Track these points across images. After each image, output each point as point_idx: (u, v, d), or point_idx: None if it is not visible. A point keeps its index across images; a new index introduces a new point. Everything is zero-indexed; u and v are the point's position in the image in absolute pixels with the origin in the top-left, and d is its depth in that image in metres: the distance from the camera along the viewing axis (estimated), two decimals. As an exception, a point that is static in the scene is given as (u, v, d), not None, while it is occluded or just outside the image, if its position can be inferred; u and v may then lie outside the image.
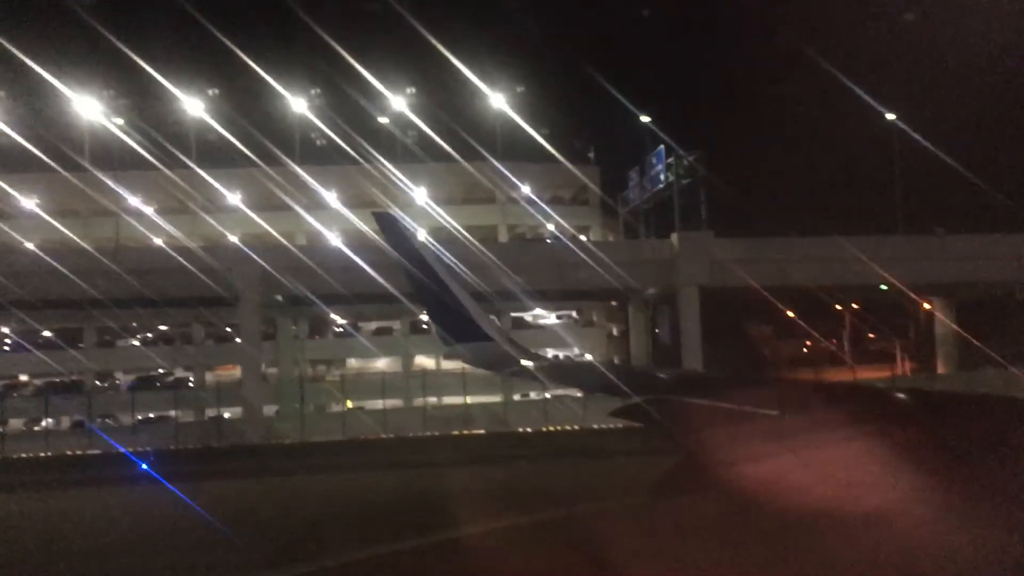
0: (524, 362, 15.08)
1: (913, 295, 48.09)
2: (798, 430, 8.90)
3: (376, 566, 13.82)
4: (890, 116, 44.88)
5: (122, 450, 29.93)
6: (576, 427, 35.53)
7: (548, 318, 60.36)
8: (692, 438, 9.74)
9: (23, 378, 59.65)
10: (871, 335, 72.74)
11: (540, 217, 56.20)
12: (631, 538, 14.15)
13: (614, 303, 58.05)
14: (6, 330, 56.20)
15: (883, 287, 46.68)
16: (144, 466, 26.31)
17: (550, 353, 59.65)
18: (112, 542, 16.60)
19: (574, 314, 63.47)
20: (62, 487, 25.29)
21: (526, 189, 56.76)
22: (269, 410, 47.49)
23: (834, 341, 59.51)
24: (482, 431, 37.21)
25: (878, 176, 52.69)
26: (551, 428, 37.42)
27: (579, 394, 30.74)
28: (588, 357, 59.33)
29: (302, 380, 47.88)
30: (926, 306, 55.90)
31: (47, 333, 56.62)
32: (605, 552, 13.44)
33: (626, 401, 11.39)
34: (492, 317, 54.52)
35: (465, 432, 37.05)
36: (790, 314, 54.26)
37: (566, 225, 54.39)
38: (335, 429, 38.25)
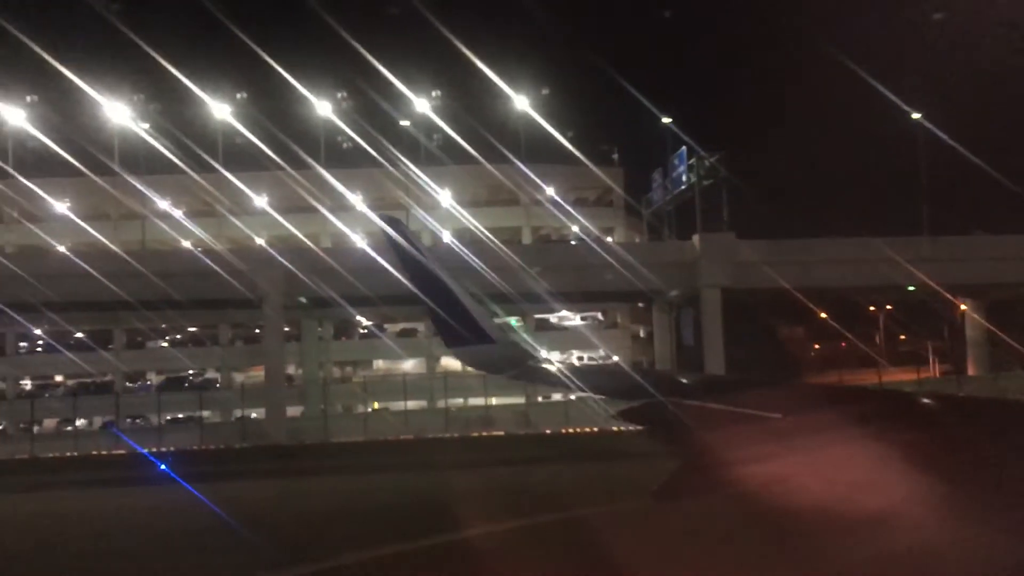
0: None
1: (944, 296, 47.43)
2: (801, 432, 8.88)
3: (377, 567, 13.92)
4: (916, 115, 44.30)
5: (140, 450, 30.40)
6: (595, 429, 35.44)
7: (573, 320, 60.26)
8: (694, 441, 9.74)
9: (59, 378, 60.69)
10: (902, 337, 71.85)
11: (564, 219, 56.12)
12: (632, 541, 14.14)
13: (641, 304, 57.84)
14: (38, 331, 57.05)
15: (911, 288, 46.14)
16: (162, 467, 26.70)
17: (575, 355, 59.67)
18: (113, 544, 16.87)
19: (600, 316, 63.34)
20: (76, 487, 25.80)
21: (550, 191, 56.73)
22: (296, 411, 48.04)
23: (846, 343, 58.72)
24: (500, 432, 37.28)
25: (903, 176, 51.95)
26: (572, 430, 37.39)
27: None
28: (615, 359, 59.21)
29: (325, 381, 48.24)
30: (962, 308, 55.09)
31: (79, 335, 57.53)
32: (604, 556, 13.43)
33: (628, 403, 11.41)
34: (513, 319, 54.52)
35: (484, 434, 37.14)
36: (821, 316, 53.76)
37: (590, 227, 54.27)
38: (356, 430, 38.53)
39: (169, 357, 58.02)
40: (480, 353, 12.24)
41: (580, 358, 60.38)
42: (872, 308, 63.34)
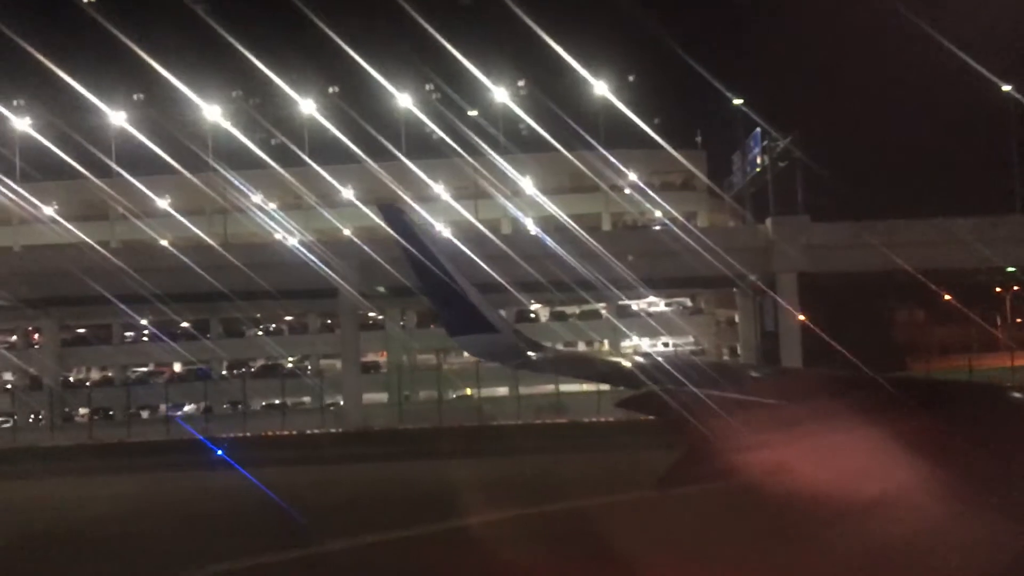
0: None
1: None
2: (802, 420, 8.77)
3: (362, 555, 14.31)
4: (1006, 88, 41.75)
5: (200, 437, 31.94)
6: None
7: (658, 306, 59.71)
8: (696, 429, 9.70)
9: (177, 367, 63.81)
10: (1020, 320, 68.13)
11: (646, 204, 55.54)
12: (634, 529, 14.09)
13: (736, 290, 56.77)
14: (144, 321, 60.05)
15: (1010, 270, 43.94)
16: (219, 452, 28.02)
17: (660, 341, 59.23)
18: (143, 525, 17.88)
19: (688, 302, 62.55)
20: (139, 471, 27.46)
21: (632, 176, 56.20)
22: (381, 398, 49.32)
23: (953, 328, 55.91)
24: (563, 420, 37.32)
25: (992, 153, 49.13)
26: (641, 418, 36.99)
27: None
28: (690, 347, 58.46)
29: (399, 368, 49.30)
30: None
31: (184, 324, 60.25)
32: (609, 542, 13.43)
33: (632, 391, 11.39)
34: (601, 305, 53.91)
35: (545, 421, 37.33)
36: (926, 301, 51.53)
37: (673, 211, 53.45)
38: (430, 416, 39.36)
39: (264, 345, 60.28)
40: (483, 342, 12.36)
41: (666, 344, 59.85)
42: (994, 291, 60.39)
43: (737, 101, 48.08)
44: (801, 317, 42.42)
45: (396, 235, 13.32)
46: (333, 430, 38.15)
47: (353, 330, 45.34)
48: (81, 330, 64.11)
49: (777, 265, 40.80)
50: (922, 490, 6.39)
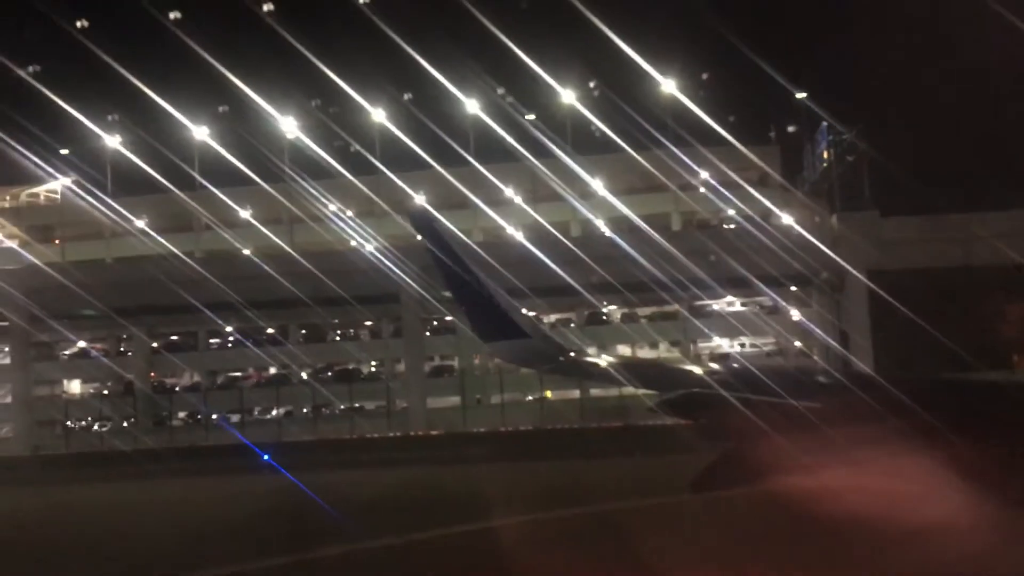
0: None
1: None
2: (837, 423, 8.75)
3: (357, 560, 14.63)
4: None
5: (246, 442, 33.05)
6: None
7: (734, 305, 58.74)
8: (731, 432, 9.74)
9: (270, 371, 65.61)
10: None
11: (718, 202, 54.73)
12: (664, 533, 14.03)
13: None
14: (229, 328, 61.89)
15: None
16: (265, 457, 28.93)
17: (737, 342, 58.31)
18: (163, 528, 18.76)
19: (767, 301, 61.25)
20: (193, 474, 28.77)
21: (704, 174, 55.47)
22: (455, 401, 49.88)
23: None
24: (619, 423, 37.18)
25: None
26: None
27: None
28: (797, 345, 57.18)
29: (463, 372, 49.71)
30: None
31: (270, 330, 61.99)
32: (636, 548, 13.42)
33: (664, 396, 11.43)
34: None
35: (601, 425, 37.29)
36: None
37: (746, 209, 52.48)
38: (493, 420, 39.75)
39: (343, 350, 61.66)
40: (515, 348, 12.47)
41: (742, 345, 58.88)
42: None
43: (801, 95, 47.08)
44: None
45: (425, 241, 13.53)
46: (391, 434, 38.97)
47: (417, 334, 46.04)
48: (174, 337, 66.47)
49: (846, 262, 39.81)
50: (963, 509, 6.35)
